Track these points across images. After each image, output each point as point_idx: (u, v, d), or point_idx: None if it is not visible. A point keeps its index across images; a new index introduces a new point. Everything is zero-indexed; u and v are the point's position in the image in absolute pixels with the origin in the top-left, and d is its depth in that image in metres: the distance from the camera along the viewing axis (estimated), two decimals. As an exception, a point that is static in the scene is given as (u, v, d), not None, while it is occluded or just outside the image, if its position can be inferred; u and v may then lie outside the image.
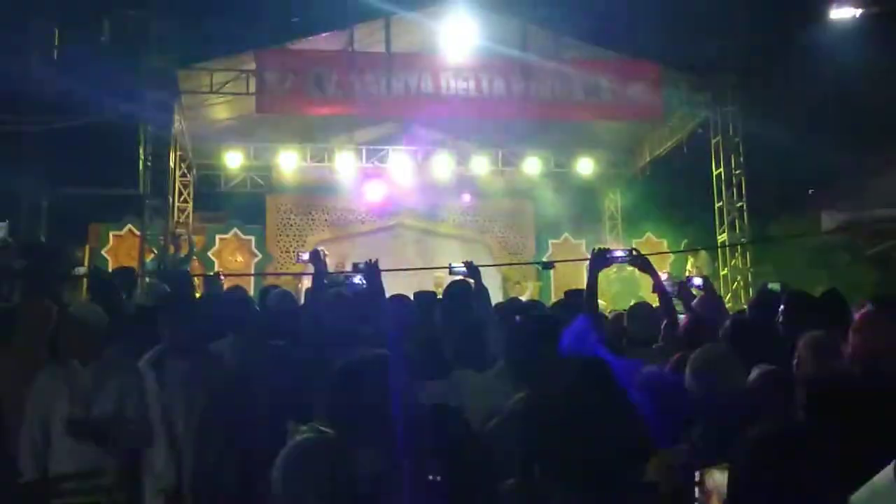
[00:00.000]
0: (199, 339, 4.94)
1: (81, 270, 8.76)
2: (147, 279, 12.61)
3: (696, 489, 2.57)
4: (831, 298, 5.25)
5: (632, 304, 6.72)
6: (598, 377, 2.98)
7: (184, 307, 4.93)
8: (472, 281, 6.20)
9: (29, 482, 4.47)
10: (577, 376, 3.02)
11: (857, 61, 15.10)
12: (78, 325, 4.74)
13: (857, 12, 14.35)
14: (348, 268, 7.29)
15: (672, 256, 17.76)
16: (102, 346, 4.77)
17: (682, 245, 16.49)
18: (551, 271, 17.75)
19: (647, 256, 5.80)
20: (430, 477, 2.90)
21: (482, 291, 5.97)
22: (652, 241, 18.71)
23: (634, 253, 5.49)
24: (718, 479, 2.42)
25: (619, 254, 5.45)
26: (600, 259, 5.29)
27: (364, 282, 6.53)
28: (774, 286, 9.14)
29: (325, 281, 6.98)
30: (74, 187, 14.86)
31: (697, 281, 6.88)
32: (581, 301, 5.61)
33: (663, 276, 5.89)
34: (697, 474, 2.62)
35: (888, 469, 2.05)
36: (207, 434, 4.45)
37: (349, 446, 2.80)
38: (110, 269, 14.33)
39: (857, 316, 4.65)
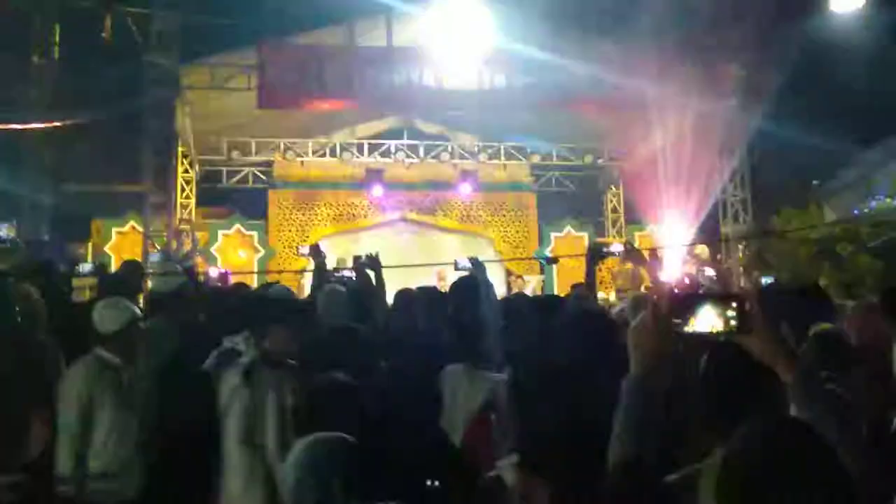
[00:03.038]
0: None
1: (87, 268, 8.74)
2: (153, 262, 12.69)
3: None
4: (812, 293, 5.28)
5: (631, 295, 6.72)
6: None
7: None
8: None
9: (67, 477, 4.40)
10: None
11: (860, 52, 15.07)
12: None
13: (860, 3, 14.30)
14: (350, 262, 7.31)
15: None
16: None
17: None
18: (554, 266, 17.80)
19: (646, 249, 5.83)
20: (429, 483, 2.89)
21: (487, 287, 5.97)
22: (654, 234, 18.72)
23: (628, 247, 5.51)
24: None
25: (613, 248, 5.50)
26: (596, 253, 5.37)
27: (353, 274, 6.57)
28: (767, 278, 9.19)
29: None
30: (77, 184, 14.89)
31: (710, 272, 6.93)
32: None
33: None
34: None
35: None
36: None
37: None
38: (114, 266, 14.39)
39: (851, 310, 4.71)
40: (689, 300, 2.20)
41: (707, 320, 2.14)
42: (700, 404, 2.44)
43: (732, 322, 2.12)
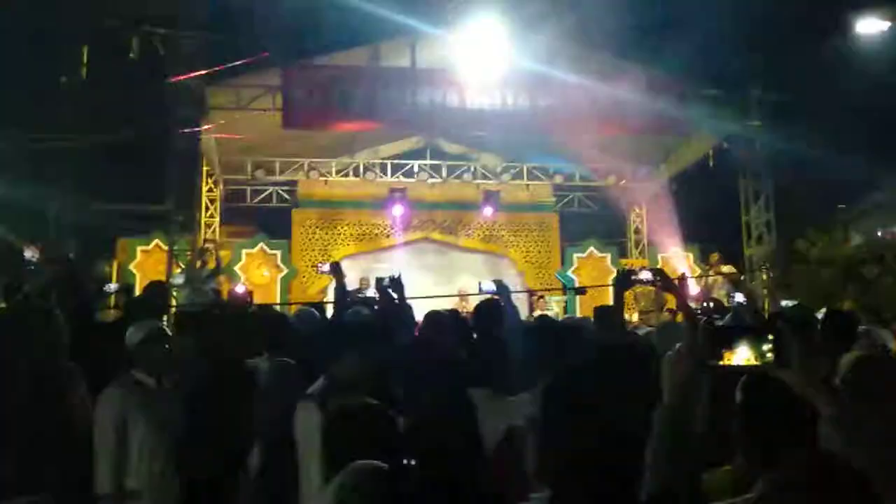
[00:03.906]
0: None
1: (113, 287, 8.82)
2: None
3: None
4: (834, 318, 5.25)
5: (658, 323, 6.71)
6: None
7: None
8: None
9: (107, 495, 4.46)
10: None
11: (886, 74, 14.98)
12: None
13: (885, 25, 14.25)
14: (372, 282, 7.31)
15: (698, 271, 17.73)
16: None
17: (710, 258, 16.37)
18: (575, 285, 17.81)
19: (674, 276, 5.79)
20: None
21: (512, 310, 5.96)
22: (678, 255, 18.65)
23: (657, 275, 5.44)
24: None
25: (643, 276, 5.43)
26: (625, 280, 5.31)
27: (377, 294, 6.56)
28: (787, 303, 9.12)
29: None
30: (102, 202, 14.99)
31: (740, 297, 6.86)
32: (611, 317, 5.64)
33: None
34: None
35: None
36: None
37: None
38: (139, 284, 14.47)
39: None
40: (725, 333, 2.19)
41: (743, 354, 2.12)
42: (739, 436, 2.42)
43: (769, 356, 2.10)
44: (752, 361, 2.12)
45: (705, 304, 6.18)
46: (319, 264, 8.24)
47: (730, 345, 2.14)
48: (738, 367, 2.17)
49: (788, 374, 2.13)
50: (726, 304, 9.88)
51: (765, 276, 16.18)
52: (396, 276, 6.39)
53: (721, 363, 2.15)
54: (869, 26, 14.33)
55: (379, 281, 6.56)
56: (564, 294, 17.70)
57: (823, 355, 3.83)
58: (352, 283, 13.13)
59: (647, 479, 2.27)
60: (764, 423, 2.37)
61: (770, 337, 2.11)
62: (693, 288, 12.23)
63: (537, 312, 13.14)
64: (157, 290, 7.23)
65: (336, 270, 6.78)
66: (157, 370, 4.78)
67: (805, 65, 15.61)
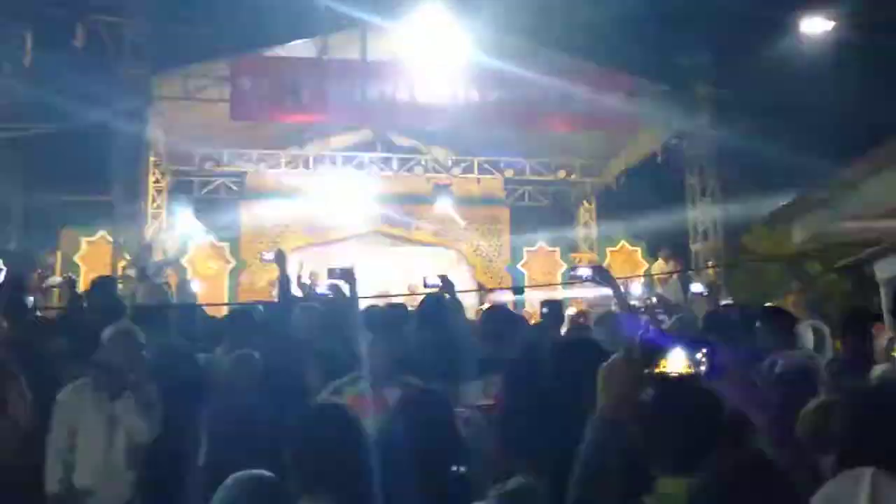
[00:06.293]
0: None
1: (56, 280, 8.65)
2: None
3: None
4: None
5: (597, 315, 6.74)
6: None
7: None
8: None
9: (55, 493, 4.52)
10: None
11: (831, 74, 15.23)
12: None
13: (829, 25, 14.48)
14: (323, 275, 7.26)
15: (645, 266, 17.91)
16: None
17: (658, 253, 16.50)
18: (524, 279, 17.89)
19: (615, 274, 5.84)
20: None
21: (457, 305, 5.97)
22: (626, 250, 18.82)
23: (596, 272, 5.49)
24: None
25: (581, 272, 5.52)
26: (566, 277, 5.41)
27: (331, 292, 6.51)
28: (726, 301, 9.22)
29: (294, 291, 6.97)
30: (47, 193, 14.76)
31: (698, 288, 6.88)
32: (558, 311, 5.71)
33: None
34: None
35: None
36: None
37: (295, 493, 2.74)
38: (83, 276, 14.26)
39: None
40: (661, 341, 2.21)
41: (678, 362, 2.14)
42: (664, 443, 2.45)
43: (703, 367, 2.13)
44: (687, 369, 2.15)
45: (648, 301, 6.22)
46: (263, 252, 8.12)
47: (665, 352, 2.16)
48: (672, 375, 2.19)
49: (720, 384, 2.15)
50: (675, 296, 9.94)
51: (711, 272, 16.34)
52: (349, 268, 6.32)
53: (656, 371, 2.17)
54: (814, 26, 14.55)
55: (331, 271, 6.51)
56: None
57: (757, 359, 3.89)
58: (303, 278, 13.05)
59: (575, 489, 2.30)
60: (695, 432, 2.40)
61: (704, 349, 2.13)
62: (635, 286, 12.27)
63: (485, 306, 13.12)
64: (109, 288, 7.12)
65: (280, 259, 6.66)
66: (128, 369, 4.75)
67: (752, 62, 15.80)
